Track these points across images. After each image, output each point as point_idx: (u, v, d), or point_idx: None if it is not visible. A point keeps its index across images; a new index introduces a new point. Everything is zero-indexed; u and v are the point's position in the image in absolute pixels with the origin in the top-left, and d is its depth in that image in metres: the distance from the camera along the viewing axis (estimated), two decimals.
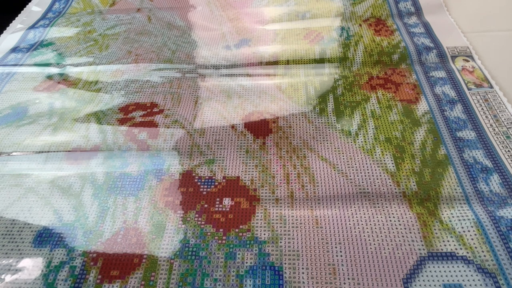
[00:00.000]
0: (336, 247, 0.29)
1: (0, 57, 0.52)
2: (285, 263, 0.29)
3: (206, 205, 0.33)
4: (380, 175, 0.34)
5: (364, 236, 0.30)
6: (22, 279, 0.29)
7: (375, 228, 0.30)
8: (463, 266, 0.27)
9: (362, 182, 0.34)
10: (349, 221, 0.31)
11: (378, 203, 0.32)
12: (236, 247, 0.30)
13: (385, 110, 0.40)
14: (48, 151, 0.38)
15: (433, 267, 0.28)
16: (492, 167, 0.34)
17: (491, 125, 0.37)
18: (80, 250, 0.31)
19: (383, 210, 0.31)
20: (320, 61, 0.46)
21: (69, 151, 0.38)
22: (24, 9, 0.62)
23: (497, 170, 0.33)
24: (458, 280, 0.27)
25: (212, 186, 0.34)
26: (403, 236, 0.30)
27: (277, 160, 0.36)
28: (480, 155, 0.35)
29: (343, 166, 0.35)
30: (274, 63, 0.47)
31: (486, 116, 0.38)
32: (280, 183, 0.34)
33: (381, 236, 0.30)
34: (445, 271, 0.27)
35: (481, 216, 0.30)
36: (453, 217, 0.30)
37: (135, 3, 0.61)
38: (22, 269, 0.30)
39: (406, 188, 0.33)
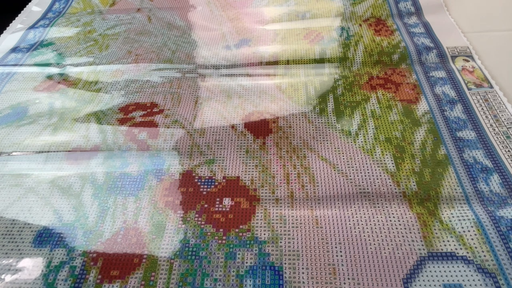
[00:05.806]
0: (336, 247, 0.29)
1: (0, 57, 0.52)
2: (285, 263, 0.29)
3: (206, 205, 0.33)
4: (380, 175, 0.34)
5: (364, 236, 0.30)
6: (22, 279, 0.29)
7: (375, 228, 0.30)
8: (463, 266, 0.27)
9: (362, 182, 0.34)
10: (349, 221, 0.31)
11: (378, 203, 0.32)
12: (236, 247, 0.30)
13: (385, 110, 0.40)
14: (48, 151, 0.38)
15: (433, 267, 0.28)
16: (492, 167, 0.34)
17: (491, 125, 0.37)
18: (80, 250, 0.31)
19: (383, 210, 0.31)
20: (320, 61, 0.46)
21: (69, 151, 0.38)
22: (24, 9, 0.62)
23: (497, 170, 0.33)
24: (458, 280, 0.27)
25: (212, 186, 0.34)
26: (403, 236, 0.30)
27: (277, 160, 0.36)
28: (480, 155, 0.35)
29: (343, 166, 0.35)
30: (274, 63, 0.47)
31: (486, 116, 0.38)
32: (280, 183, 0.34)
33: (381, 236, 0.30)
34: (445, 271, 0.27)
35: (481, 216, 0.30)
36: (453, 217, 0.30)
37: (135, 3, 0.61)
38: (22, 269, 0.30)
39: (406, 188, 0.33)
